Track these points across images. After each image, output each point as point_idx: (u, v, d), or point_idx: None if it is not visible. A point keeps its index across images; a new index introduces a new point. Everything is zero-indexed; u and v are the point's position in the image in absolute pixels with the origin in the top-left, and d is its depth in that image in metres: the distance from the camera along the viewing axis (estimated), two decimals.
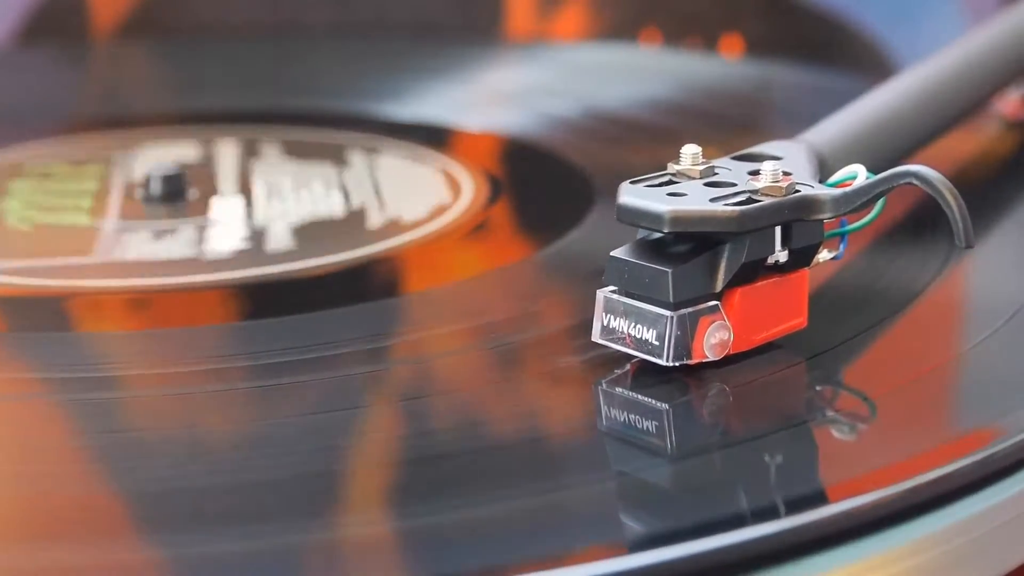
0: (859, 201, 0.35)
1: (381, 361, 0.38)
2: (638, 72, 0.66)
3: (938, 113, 0.45)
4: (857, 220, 0.36)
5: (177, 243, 0.46)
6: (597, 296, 0.35)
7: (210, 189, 0.50)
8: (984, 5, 0.64)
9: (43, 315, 0.42)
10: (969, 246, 0.34)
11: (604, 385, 0.35)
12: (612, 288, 0.35)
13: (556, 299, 0.42)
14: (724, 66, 0.70)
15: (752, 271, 0.35)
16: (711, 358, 0.35)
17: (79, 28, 0.74)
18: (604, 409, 0.34)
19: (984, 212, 0.45)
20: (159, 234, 0.46)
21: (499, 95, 0.64)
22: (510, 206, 0.49)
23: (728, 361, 0.35)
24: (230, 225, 0.47)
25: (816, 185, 0.35)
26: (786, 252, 0.35)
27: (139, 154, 0.54)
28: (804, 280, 0.36)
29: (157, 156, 0.54)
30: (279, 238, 0.46)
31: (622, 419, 0.34)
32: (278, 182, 0.51)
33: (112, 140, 0.56)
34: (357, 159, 0.53)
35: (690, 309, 0.34)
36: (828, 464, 0.32)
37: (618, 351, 0.35)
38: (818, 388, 0.35)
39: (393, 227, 0.46)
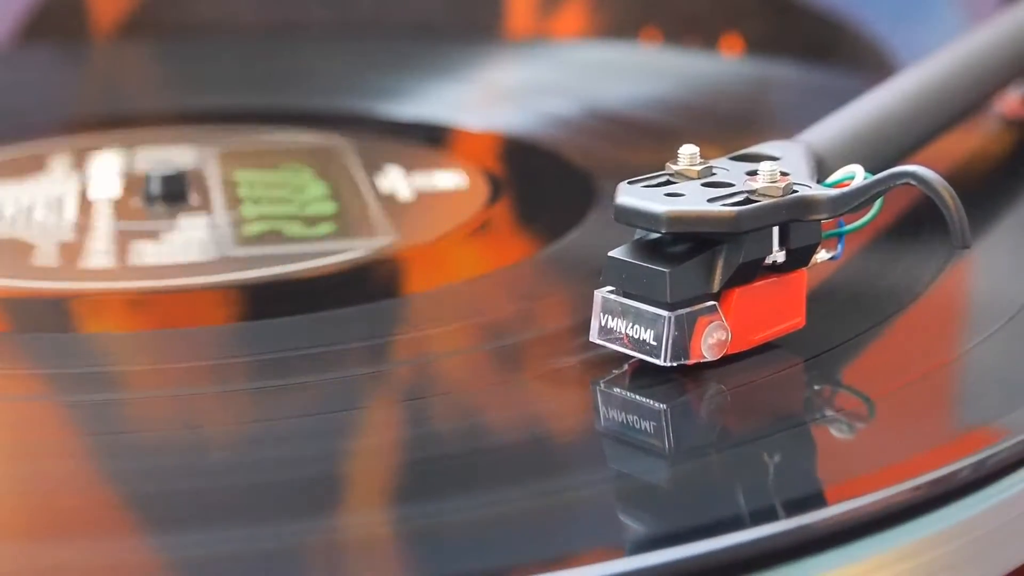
0: (857, 201, 0.35)
1: (381, 362, 0.38)
2: (638, 71, 0.66)
3: (937, 113, 0.45)
4: (855, 220, 0.36)
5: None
6: (595, 296, 0.35)
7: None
8: (984, 5, 0.64)
9: (45, 316, 0.42)
10: (966, 247, 0.34)
11: (602, 385, 0.35)
12: (610, 288, 0.35)
13: (556, 299, 0.42)
14: (724, 65, 0.70)
15: (750, 271, 0.35)
16: (709, 358, 0.34)
17: (79, 28, 0.74)
18: (602, 409, 0.34)
19: (983, 211, 0.45)
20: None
21: (499, 94, 0.64)
22: (510, 206, 0.49)
23: (726, 361, 0.35)
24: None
25: (814, 185, 0.35)
26: (784, 252, 0.35)
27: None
28: (802, 280, 0.36)
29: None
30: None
31: (620, 419, 0.34)
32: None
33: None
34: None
35: (688, 309, 0.34)
36: (827, 465, 0.32)
37: (616, 351, 0.35)
38: (817, 389, 0.35)
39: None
